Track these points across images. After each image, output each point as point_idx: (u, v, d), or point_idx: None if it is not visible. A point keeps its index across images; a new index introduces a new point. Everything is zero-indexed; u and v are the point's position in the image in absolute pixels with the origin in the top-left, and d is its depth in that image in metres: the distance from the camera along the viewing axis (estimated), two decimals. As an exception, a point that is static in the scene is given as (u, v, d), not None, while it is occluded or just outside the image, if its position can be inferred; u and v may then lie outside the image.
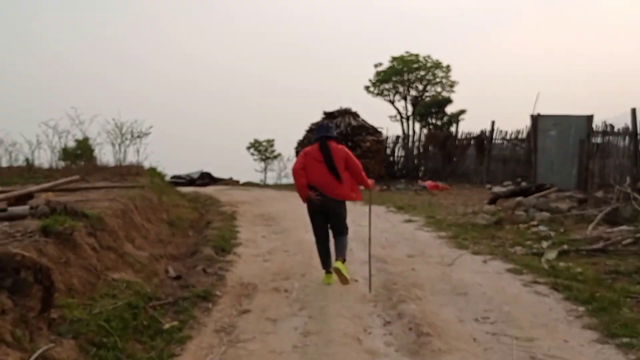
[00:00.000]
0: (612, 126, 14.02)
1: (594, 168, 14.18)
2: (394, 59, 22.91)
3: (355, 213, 8.77)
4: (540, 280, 5.83)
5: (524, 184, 16.05)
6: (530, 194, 11.27)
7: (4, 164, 12.53)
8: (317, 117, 21.90)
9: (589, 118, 14.72)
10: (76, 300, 4.31)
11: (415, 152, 21.74)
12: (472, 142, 19.05)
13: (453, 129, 21.50)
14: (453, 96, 23.50)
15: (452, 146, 19.78)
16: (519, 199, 10.83)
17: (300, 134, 21.99)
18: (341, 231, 6.01)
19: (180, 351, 4.07)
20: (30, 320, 3.55)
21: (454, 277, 6.01)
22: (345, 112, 21.32)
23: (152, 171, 12.99)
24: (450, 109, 23.78)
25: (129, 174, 11.42)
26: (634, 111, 13.10)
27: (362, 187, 6.32)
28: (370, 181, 6.17)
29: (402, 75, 22.85)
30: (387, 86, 23.43)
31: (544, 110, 16.08)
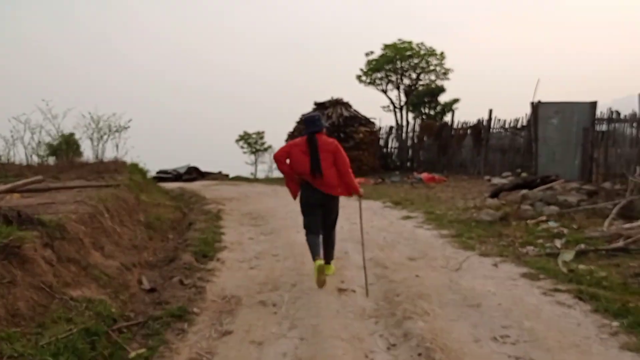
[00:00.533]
0: (617, 113, 13.38)
1: (598, 157, 13.54)
2: (386, 46, 22.15)
3: (349, 209, 8.08)
4: (561, 288, 5.16)
5: (524, 174, 15.45)
6: (535, 186, 10.61)
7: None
8: (308, 108, 21.20)
9: (593, 105, 14.07)
10: (20, 330, 3.59)
11: (409, 143, 21.05)
12: (468, 131, 18.38)
13: (448, 118, 20.87)
14: (447, 84, 22.85)
15: (447, 136, 19.10)
16: (523, 192, 10.16)
17: (290, 126, 21.29)
18: (331, 228, 5.87)
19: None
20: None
21: (463, 285, 5.32)
22: (337, 103, 20.61)
23: (133, 167, 12.23)
24: (443, 98, 23.19)
25: (106, 171, 10.66)
26: (641, 97, 12.45)
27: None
28: (360, 189, 5.82)
29: (394, 63, 22.08)
30: (379, 75, 22.68)
31: (545, 98, 15.45)
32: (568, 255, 6.33)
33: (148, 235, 7.39)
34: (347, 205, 7.13)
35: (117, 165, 11.11)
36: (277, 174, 23.51)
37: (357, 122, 20.13)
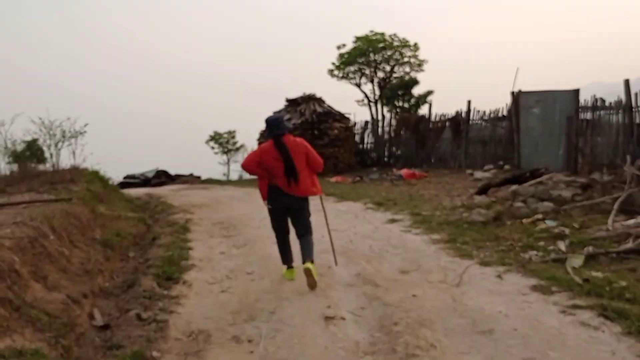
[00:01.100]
0: (602, 100, 12.87)
1: (584, 147, 13.04)
2: (358, 39, 21.39)
3: (327, 212, 7.32)
4: (580, 303, 4.48)
5: (507, 167, 14.92)
6: (524, 181, 9.99)
7: None
8: (280, 105, 20.36)
9: (576, 92, 13.56)
10: None
11: (386, 137, 20.37)
12: (447, 124, 17.77)
13: (424, 111, 20.26)
14: (423, 76, 22.29)
15: (425, 129, 18.47)
16: (514, 187, 9.53)
17: (262, 125, 20.41)
18: (305, 230, 5.72)
19: None
20: None
21: (469, 305, 4.60)
22: (310, 99, 19.81)
23: (92, 175, 11.25)
24: (417, 91, 22.60)
25: (61, 182, 9.68)
26: (627, 82, 11.97)
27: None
28: (319, 188, 5.83)
29: (367, 56, 21.33)
30: (352, 68, 21.91)
31: (526, 87, 14.92)
32: (577, 261, 5.69)
33: (105, 256, 6.51)
34: (326, 210, 6.42)
35: (74, 175, 10.13)
36: (249, 175, 22.65)
37: (331, 117, 19.37)
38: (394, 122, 20.25)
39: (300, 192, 5.51)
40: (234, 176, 23.80)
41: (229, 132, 24.89)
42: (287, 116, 18.54)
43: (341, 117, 19.79)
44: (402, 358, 3.66)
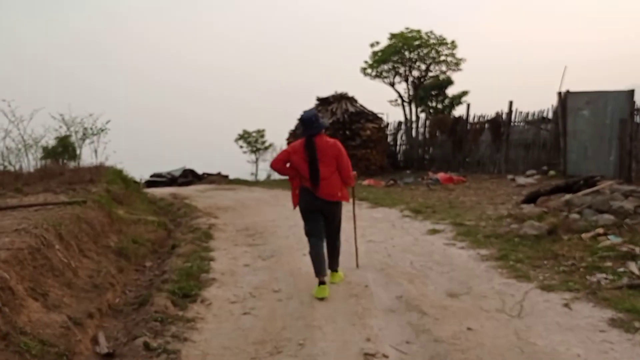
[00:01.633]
0: (661, 102, 11.84)
1: (638, 153, 12.03)
2: (393, 36, 20.59)
3: (359, 221, 6.66)
4: (676, 347, 3.68)
5: (552, 172, 13.97)
6: (578, 189, 9.11)
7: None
8: (311, 104, 19.69)
9: (630, 93, 12.57)
10: None
11: (420, 139, 19.52)
12: (486, 125, 16.84)
13: (461, 111, 19.34)
14: (459, 76, 21.39)
15: (462, 131, 17.56)
16: (567, 196, 8.66)
17: (291, 124, 19.81)
18: (334, 235, 5.51)
19: None
20: None
21: (538, 345, 3.82)
22: (341, 98, 19.08)
23: (115, 174, 10.75)
24: (451, 91, 21.81)
25: (80, 182, 9.18)
26: (691, 83, 10.92)
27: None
28: (346, 195, 5.49)
29: (402, 54, 20.52)
30: (386, 67, 21.13)
31: (574, 87, 13.94)
32: (659, 289, 4.85)
33: (118, 267, 5.91)
34: (359, 217, 5.75)
35: (94, 174, 9.62)
36: (279, 175, 22.11)
37: (363, 118, 18.61)
38: (428, 123, 19.38)
39: (325, 196, 5.22)
40: (262, 175, 23.38)
41: (258, 131, 24.49)
42: (326, 114, 17.91)
43: (374, 117, 19.03)
44: (465, 419, 2.93)
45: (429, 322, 4.33)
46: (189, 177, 21.15)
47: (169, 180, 20.90)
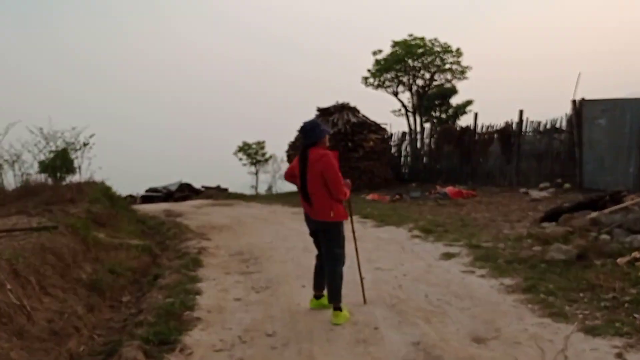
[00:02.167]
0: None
1: (662, 164, 11.25)
2: (396, 43, 19.90)
3: (366, 241, 5.88)
4: None
5: (567, 185, 13.18)
6: (603, 206, 8.33)
7: None
8: (311, 114, 18.96)
9: (651, 101, 11.79)
10: None
11: (425, 150, 18.76)
12: (495, 136, 16.07)
13: (468, 121, 18.60)
14: (465, 85, 20.68)
15: (470, 142, 16.79)
16: (593, 214, 7.88)
17: (291, 135, 19.09)
18: (330, 261, 4.89)
19: None
20: None
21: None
22: (343, 108, 18.36)
23: (102, 191, 9.99)
24: (455, 100, 21.17)
25: (59, 202, 8.41)
26: None
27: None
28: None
29: (405, 62, 19.82)
30: (388, 76, 20.44)
31: (589, 94, 13.19)
32: None
33: (87, 304, 5.12)
34: (362, 238, 4.99)
35: (76, 192, 8.85)
36: (280, 185, 21.44)
37: (366, 128, 17.89)
38: (434, 133, 18.62)
39: (314, 215, 4.87)
40: (262, 188, 22.75)
41: (258, 143, 23.90)
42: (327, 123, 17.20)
43: (377, 128, 18.30)
44: None
45: (455, 381, 3.53)
46: (185, 191, 20.43)
47: (165, 195, 20.19)
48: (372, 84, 20.91)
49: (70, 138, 9.63)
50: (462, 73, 20.07)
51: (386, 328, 4.56)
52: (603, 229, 7.39)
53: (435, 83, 20.34)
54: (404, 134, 19.70)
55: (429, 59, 19.65)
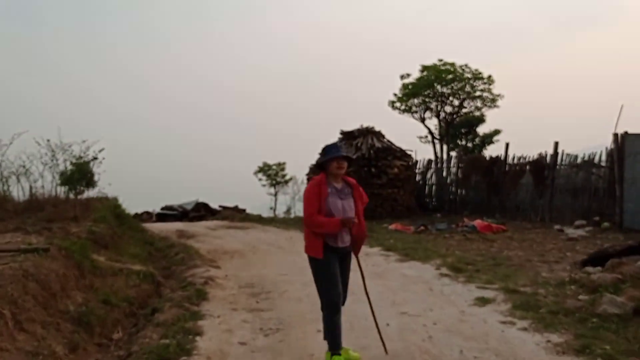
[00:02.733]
0: None
1: None
2: (425, 68, 19.27)
3: (390, 278, 5.18)
4: None
5: (605, 224, 12.27)
6: (656, 251, 7.48)
7: None
8: (334, 137, 18.34)
9: (703, 137, 10.93)
10: None
11: (451, 179, 17.97)
12: (527, 168, 15.23)
13: (499, 151, 17.77)
14: (494, 113, 19.93)
15: (500, 173, 15.96)
16: (646, 261, 7.04)
17: (313, 157, 18.44)
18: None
19: None
20: None
21: None
22: (367, 132, 17.67)
23: (109, 209, 9.42)
24: (482, 129, 20.44)
25: (62, 219, 7.85)
26: None
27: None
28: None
29: (434, 87, 19.17)
30: (416, 101, 19.77)
31: (633, 128, 12.35)
32: None
33: (71, 342, 4.46)
34: (387, 274, 4.19)
35: (80, 210, 8.27)
36: (299, 210, 20.85)
37: (391, 154, 17.16)
38: (461, 162, 17.84)
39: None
40: (281, 209, 22.19)
41: (278, 164, 23.35)
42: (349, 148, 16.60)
43: (402, 154, 17.56)
44: None
45: None
46: (201, 211, 19.87)
47: (181, 214, 19.64)
48: (398, 108, 20.28)
49: (80, 152, 9.11)
50: (492, 101, 19.34)
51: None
52: (659, 278, 6.55)
53: (464, 110, 19.61)
54: (429, 161, 18.94)
55: (459, 85, 18.98)
